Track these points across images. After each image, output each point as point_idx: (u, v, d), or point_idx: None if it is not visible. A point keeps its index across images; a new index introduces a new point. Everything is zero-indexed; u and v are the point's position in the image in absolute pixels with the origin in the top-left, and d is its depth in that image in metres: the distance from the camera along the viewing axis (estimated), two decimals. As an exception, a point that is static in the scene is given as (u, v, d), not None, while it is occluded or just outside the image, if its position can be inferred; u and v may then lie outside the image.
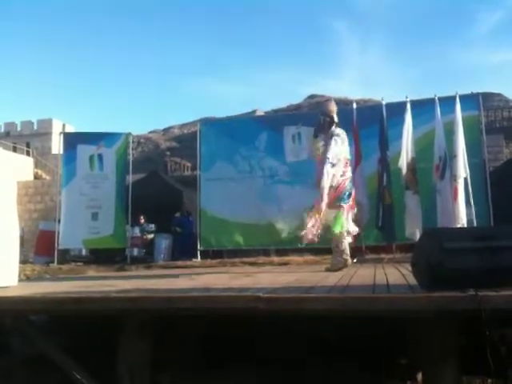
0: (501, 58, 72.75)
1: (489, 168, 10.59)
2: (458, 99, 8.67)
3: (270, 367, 3.86)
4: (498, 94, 29.55)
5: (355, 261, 8.07)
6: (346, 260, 5.94)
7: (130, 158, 11.41)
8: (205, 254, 10.13)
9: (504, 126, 21.58)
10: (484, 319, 2.70)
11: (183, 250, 10.97)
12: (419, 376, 3.71)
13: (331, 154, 5.90)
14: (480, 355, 2.88)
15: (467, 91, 9.49)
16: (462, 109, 8.67)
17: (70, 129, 30.03)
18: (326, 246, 9.49)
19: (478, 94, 9.45)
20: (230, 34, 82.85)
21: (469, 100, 9.12)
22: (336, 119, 6.22)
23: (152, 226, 12.06)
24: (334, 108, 6.39)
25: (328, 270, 5.89)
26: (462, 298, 2.82)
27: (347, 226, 5.98)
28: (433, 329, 3.10)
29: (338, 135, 6.10)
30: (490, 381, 3.56)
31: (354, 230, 6.16)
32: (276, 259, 8.86)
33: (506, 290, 2.87)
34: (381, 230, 8.56)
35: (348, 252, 6.01)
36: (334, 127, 6.16)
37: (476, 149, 9.02)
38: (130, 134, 11.35)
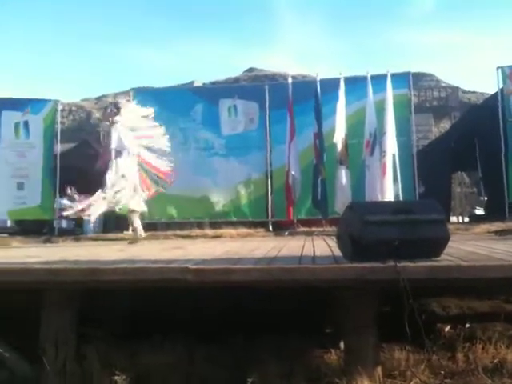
0: (434, 40, 75.20)
1: (418, 146, 11.01)
2: (389, 77, 8.90)
3: (198, 340, 3.88)
4: (430, 75, 30.46)
5: (286, 234, 8.26)
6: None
7: (59, 126, 10.92)
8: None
9: (434, 105, 22.38)
10: (402, 288, 2.83)
11: (115, 222, 10.72)
12: (342, 344, 3.84)
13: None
14: (399, 323, 3.01)
15: (400, 70, 9.77)
16: (393, 87, 8.91)
17: (-5, 94, 28.30)
18: (258, 218, 9.71)
19: (408, 73, 9.74)
20: (168, 3, 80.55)
21: (400, 79, 9.39)
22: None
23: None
24: None
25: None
26: (383, 268, 2.94)
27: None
28: (354, 298, 3.21)
29: None
30: (408, 348, 3.72)
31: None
32: (210, 232, 8.86)
33: (422, 260, 3.03)
34: (317, 204, 8.72)
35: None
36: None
37: (405, 127, 9.33)
38: (58, 101, 10.83)
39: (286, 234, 8.31)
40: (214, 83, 25.19)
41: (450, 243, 3.32)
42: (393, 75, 9.05)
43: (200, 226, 9.98)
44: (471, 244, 4.79)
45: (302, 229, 8.58)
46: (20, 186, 10.19)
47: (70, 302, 3.72)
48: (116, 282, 3.34)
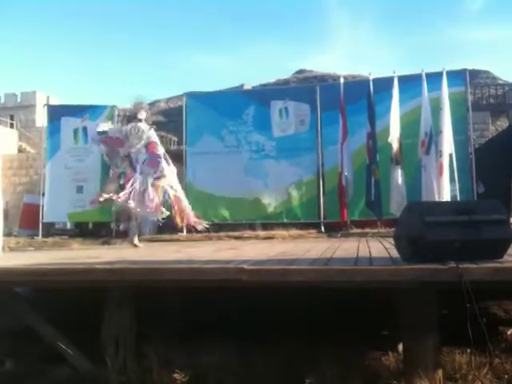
0: (490, 36, 72.76)
1: (474, 145, 10.66)
2: (444, 75, 8.66)
3: (253, 341, 3.89)
4: (486, 72, 29.50)
5: (339, 235, 8.17)
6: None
7: (116, 131, 11.25)
8: (191, 228, 10.12)
9: (491, 103, 21.61)
10: (464, 291, 2.75)
11: (170, 223, 10.92)
12: (400, 347, 3.77)
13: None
14: (460, 326, 2.93)
15: (455, 68, 9.49)
16: (449, 85, 8.67)
17: (55, 101, 29.35)
18: (310, 220, 9.67)
19: (464, 71, 9.44)
20: (218, 6, 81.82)
21: (456, 76, 9.11)
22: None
23: (138, 200, 11.96)
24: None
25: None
26: (444, 269, 2.86)
27: None
28: (413, 300, 3.15)
29: None
30: (469, 351, 3.61)
31: None
32: (261, 233, 8.90)
33: (484, 262, 2.93)
34: (371, 205, 8.59)
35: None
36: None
37: (462, 125, 9.05)
38: (114, 106, 11.18)
39: (339, 235, 8.23)
40: (264, 85, 25.27)
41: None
42: (448, 73, 8.80)
43: (252, 227, 10.05)
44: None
45: (355, 230, 8.47)
46: (79, 190, 10.56)
47: (130, 301, 3.83)
48: (174, 282, 3.41)
